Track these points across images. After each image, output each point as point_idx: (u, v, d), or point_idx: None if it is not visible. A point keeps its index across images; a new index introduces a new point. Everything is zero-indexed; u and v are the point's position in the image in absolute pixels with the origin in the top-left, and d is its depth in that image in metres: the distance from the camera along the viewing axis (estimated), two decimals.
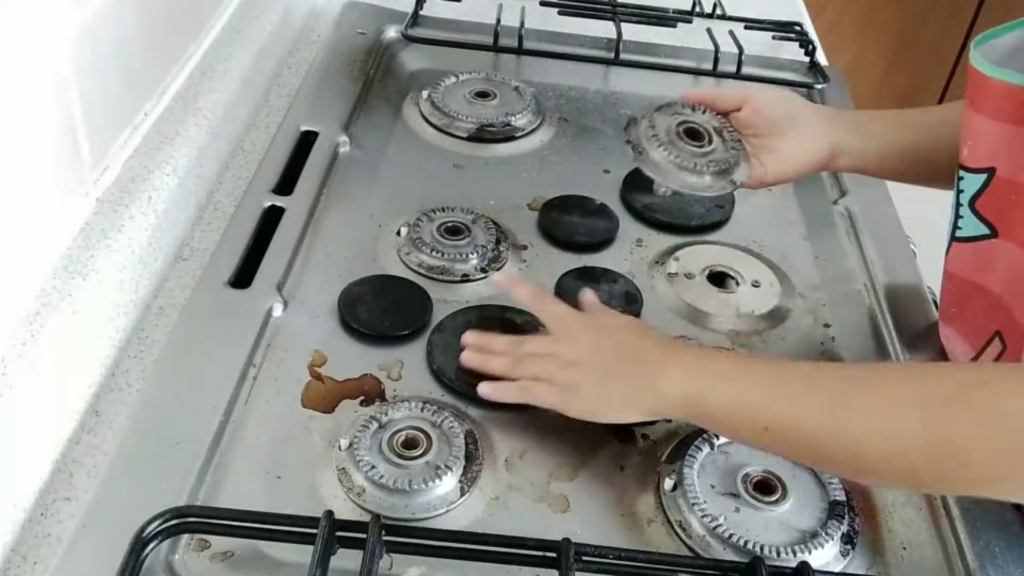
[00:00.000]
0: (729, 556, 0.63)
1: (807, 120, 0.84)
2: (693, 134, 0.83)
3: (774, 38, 1.24)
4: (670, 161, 0.81)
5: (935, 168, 0.81)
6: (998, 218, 0.70)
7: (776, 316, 0.84)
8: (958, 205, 0.73)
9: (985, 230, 0.70)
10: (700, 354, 0.69)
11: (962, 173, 0.72)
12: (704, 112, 0.85)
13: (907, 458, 0.57)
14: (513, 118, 1.03)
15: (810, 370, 0.65)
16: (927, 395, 0.57)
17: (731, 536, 0.63)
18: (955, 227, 0.74)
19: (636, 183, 0.97)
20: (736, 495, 0.67)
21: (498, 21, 1.16)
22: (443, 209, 0.89)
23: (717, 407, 0.63)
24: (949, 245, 0.75)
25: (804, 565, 0.59)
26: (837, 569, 0.64)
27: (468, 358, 0.72)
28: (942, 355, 0.79)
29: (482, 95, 1.06)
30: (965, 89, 0.71)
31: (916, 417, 0.56)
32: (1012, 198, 0.68)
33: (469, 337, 0.74)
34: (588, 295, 0.75)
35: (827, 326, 0.84)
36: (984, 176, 0.69)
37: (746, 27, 1.24)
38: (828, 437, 0.59)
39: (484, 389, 0.70)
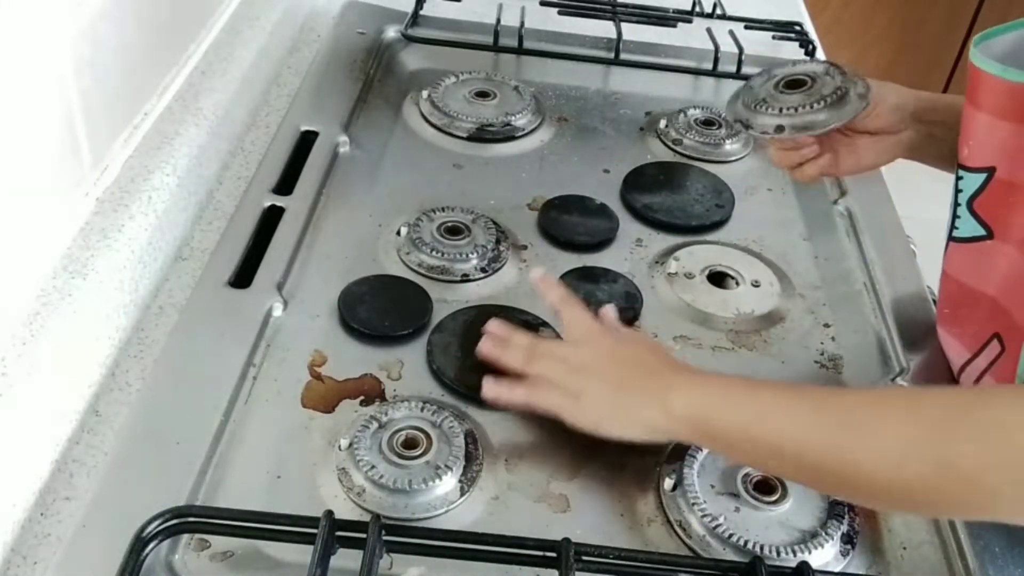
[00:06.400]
0: (729, 556, 0.63)
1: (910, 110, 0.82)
2: (795, 84, 0.80)
3: (774, 38, 1.24)
4: (780, 116, 0.78)
5: None
6: (995, 220, 0.69)
7: (776, 316, 0.84)
8: (956, 205, 0.72)
9: (982, 231, 0.70)
10: (710, 377, 0.68)
11: (961, 172, 0.71)
12: (804, 63, 0.82)
13: (912, 482, 0.56)
14: (513, 118, 1.03)
15: (817, 395, 0.64)
16: (928, 418, 0.57)
17: (731, 536, 0.63)
18: (952, 227, 0.73)
19: (636, 183, 0.97)
20: (736, 495, 0.67)
21: (498, 21, 1.16)
22: (443, 209, 0.89)
23: (725, 429, 0.62)
24: (947, 245, 0.75)
25: (804, 565, 0.59)
26: (837, 569, 0.64)
27: (485, 347, 0.72)
28: (942, 355, 0.79)
29: (482, 95, 1.06)
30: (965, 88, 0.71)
31: (917, 440, 0.56)
32: (1010, 200, 0.68)
33: (493, 326, 0.73)
34: (609, 312, 0.75)
35: (827, 326, 0.84)
36: (983, 176, 0.69)
37: (746, 27, 1.24)
38: (833, 463, 0.58)
39: (488, 391, 0.69)
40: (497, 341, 0.72)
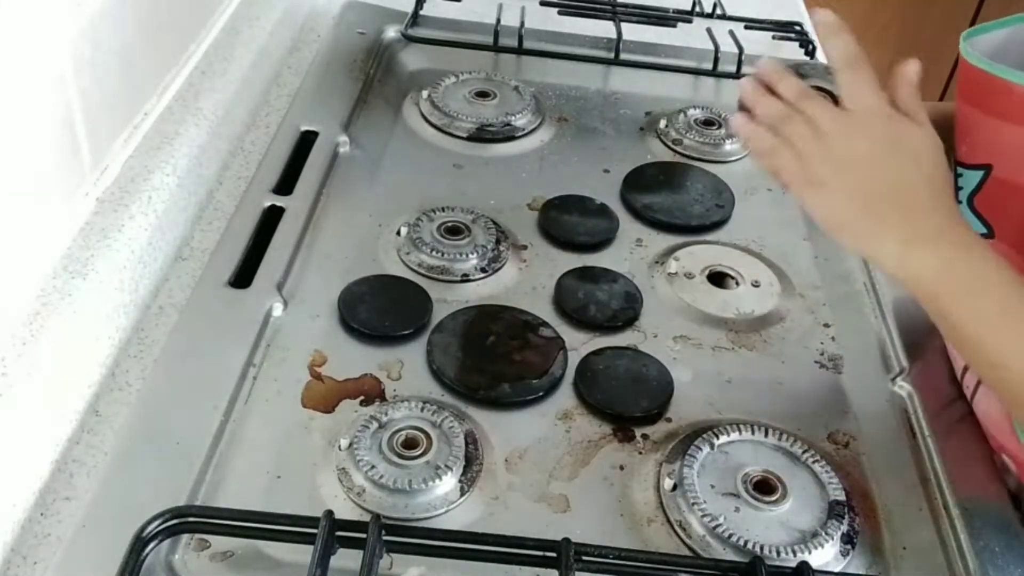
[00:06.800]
0: (729, 556, 0.63)
1: None
2: None
3: (774, 38, 1.24)
4: None
5: None
6: (995, 217, 0.69)
7: (776, 316, 0.84)
8: (958, 203, 0.72)
9: (983, 229, 0.70)
10: (959, 249, 0.62)
11: (960, 170, 0.71)
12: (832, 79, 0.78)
13: None
14: (513, 118, 1.03)
15: None
16: None
17: (731, 536, 0.63)
18: None
19: (636, 183, 0.97)
20: (736, 495, 0.67)
21: (498, 21, 1.16)
22: (443, 209, 0.89)
23: (948, 312, 0.61)
24: None
25: (804, 565, 0.59)
26: (837, 569, 0.64)
27: (746, 86, 0.68)
28: (942, 355, 0.79)
29: (482, 95, 1.06)
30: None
31: None
32: (1006, 198, 0.68)
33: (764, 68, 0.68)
34: (910, 74, 0.65)
35: (827, 326, 0.84)
36: (981, 173, 0.69)
37: (746, 27, 1.24)
38: None
39: (740, 124, 0.66)
40: (760, 81, 0.67)
